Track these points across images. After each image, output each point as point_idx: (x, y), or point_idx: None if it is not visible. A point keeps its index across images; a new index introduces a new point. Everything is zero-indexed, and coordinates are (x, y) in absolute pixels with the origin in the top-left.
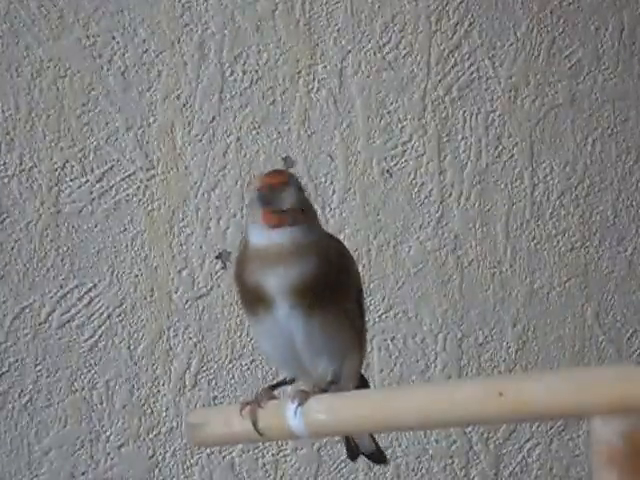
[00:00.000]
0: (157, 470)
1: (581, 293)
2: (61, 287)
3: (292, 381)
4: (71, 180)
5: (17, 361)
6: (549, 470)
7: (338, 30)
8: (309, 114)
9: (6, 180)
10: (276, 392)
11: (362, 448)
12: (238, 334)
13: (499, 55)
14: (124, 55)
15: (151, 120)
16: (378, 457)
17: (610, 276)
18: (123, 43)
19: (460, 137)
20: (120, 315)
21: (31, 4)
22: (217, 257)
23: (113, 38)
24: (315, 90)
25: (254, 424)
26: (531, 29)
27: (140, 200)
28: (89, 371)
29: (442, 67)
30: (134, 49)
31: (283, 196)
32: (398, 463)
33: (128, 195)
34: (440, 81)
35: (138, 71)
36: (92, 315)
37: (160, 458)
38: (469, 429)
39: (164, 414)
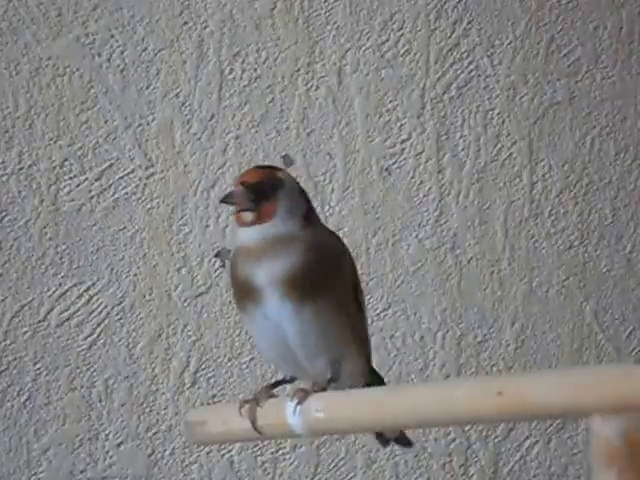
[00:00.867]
0: (156, 468)
1: (580, 291)
2: (60, 285)
3: (292, 380)
4: (70, 178)
5: (16, 359)
6: (547, 468)
7: (337, 28)
8: (308, 112)
9: (5, 178)
10: (275, 391)
11: (387, 434)
12: (237, 332)
13: (497, 53)
14: (123, 53)
15: (150, 118)
16: (404, 441)
17: (609, 274)
18: (122, 41)
19: (459, 135)
20: (119, 313)
21: (30, 2)
22: (216, 255)
23: (112, 36)
24: (314, 88)
25: (253, 422)
26: (530, 27)
27: (139, 198)
28: (88, 369)
29: (441, 65)
30: (133, 47)
31: (249, 195)
32: (397, 461)
33: (127, 193)
34: (439, 79)
35: (137, 69)
36: (91, 313)
37: (159, 456)
38: (468, 427)
39: (163, 412)
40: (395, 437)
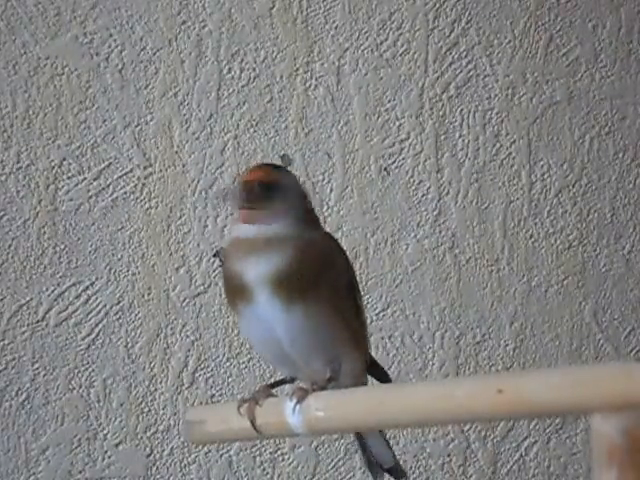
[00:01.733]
0: (154, 468)
1: (579, 291)
2: (58, 285)
3: (292, 380)
4: (68, 178)
5: (14, 359)
6: (547, 468)
7: (335, 28)
8: (306, 112)
9: (3, 178)
10: (274, 390)
11: (382, 463)
12: (235, 332)
13: (496, 53)
14: (121, 53)
15: (148, 118)
16: (397, 472)
17: (608, 274)
18: (120, 41)
19: (457, 135)
20: (117, 313)
21: (28, 2)
22: (214, 255)
23: (110, 36)
24: (312, 88)
25: (252, 422)
26: (528, 27)
27: (137, 198)
28: (86, 369)
29: (439, 65)
30: (131, 47)
31: (256, 193)
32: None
33: (125, 193)
34: (437, 79)
35: (135, 69)
36: (89, 313)
37: (157, 456)
38: (466, 427)
39: (161, 412)
40: (389, 467)
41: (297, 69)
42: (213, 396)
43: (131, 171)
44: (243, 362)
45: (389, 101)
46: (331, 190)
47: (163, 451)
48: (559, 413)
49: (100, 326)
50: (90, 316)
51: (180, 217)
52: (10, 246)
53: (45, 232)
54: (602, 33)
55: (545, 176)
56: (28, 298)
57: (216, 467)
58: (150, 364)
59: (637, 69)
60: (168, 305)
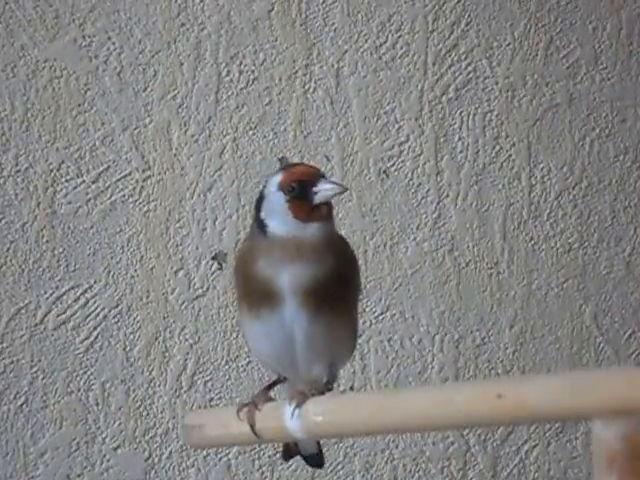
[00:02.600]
0: (153, 472)
1: (579, 294)
2: (57, 288)
3: (285, 379)
4: (67, 181)
5: (13, 362)
6: (547, 472)
7: (334, 30)
8: (305, 114)
9: (1, 181)
10: (272, 393)
11: (302, 450)
12: (234, 335)
13: (496, 55)
14: (120, 55)
15: (147, 120)
16: (316, 460)
17: (608, 277)
18: (119, 43)
19: (457, 137)
20: (116, 316)
21: (27, 4)
22: (213, 258)
23: (109, 38)
24: (311, 90)
25: (252, 426)
26: (528, 29)
27: (136, 201)
28: (85, 372)
29: (439, 67)
30: (130, 49)
31: (321, 186)
32: (395, 465)
33: (124, 196)
34: (437, 81)
35: (134, 71)
36: (88, 316)
37: (156, 460)
38: (466, 431)
39: (160, 416)
40: (310, 454)
41: (296, 71)
42: (212, 399)
43: (129, 174)
44: (242, 365)
45: (388, 103)
46: None
47: (162, 455)
48: (559, 419)
49: (98, 329)
50: (88, 319)
51: (179, 220)
52: (8, 249)
53: (43, 235)
54: (602, 35)
55: (545, 179)
56: (26, 301)
57: (215, 471)
58: (149, 367)
59: (637, 71)
60: (167, 308)
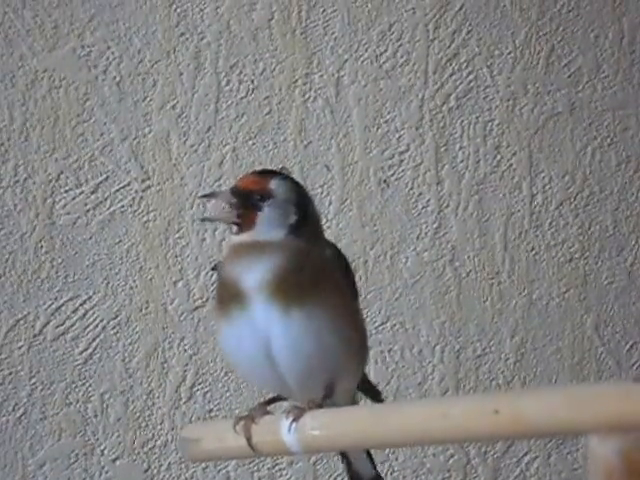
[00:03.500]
0: None
1: (580, 304)
2: (56, 299)
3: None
4: (66, 191)
5: (11, 374)
6: None
7: (335, 39)
8: (305, 124)
9: (0, 192)
10: (270, 407)
11: (363, 475)
12: None
13: (497, 63)
14: (119, 65)
15: (146, 130)
16: None
17: (610, 287)
18: (118, 53)
19: (458, 146)
20: (115, 327)
21: (26, 14)
22: (213, 269)
23: (108, 48)
24: (311, 99)
25: (248, 440)
26: (530, 37)
27: (135, 211)
28: (84, 384)
29: (440, 76)
30: (129, 59)
31: (244, 200)
32: (395, 477)
33: (123, 206)
34: (438, 90)
35: (133, 81)
36: (87, 327)
37: (155, 472)
38: (466, 443)
39: (159, 427)
40: (369, 478)
41: (296, 81)
42: (211, 411)
43: (129, 184)
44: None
45: (389, 113)
46: (330, 203)
47: (161, 466)
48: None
49: (97, 340)
50: (87, 330)
51: (178, 230)
52: (7, 260)
53: (42, 246)
54: (604, 43)
55: (546, 188)
56: (25, 312)
57: None
58: (148, 378)
59: (639, 79)
60: (166, 319)
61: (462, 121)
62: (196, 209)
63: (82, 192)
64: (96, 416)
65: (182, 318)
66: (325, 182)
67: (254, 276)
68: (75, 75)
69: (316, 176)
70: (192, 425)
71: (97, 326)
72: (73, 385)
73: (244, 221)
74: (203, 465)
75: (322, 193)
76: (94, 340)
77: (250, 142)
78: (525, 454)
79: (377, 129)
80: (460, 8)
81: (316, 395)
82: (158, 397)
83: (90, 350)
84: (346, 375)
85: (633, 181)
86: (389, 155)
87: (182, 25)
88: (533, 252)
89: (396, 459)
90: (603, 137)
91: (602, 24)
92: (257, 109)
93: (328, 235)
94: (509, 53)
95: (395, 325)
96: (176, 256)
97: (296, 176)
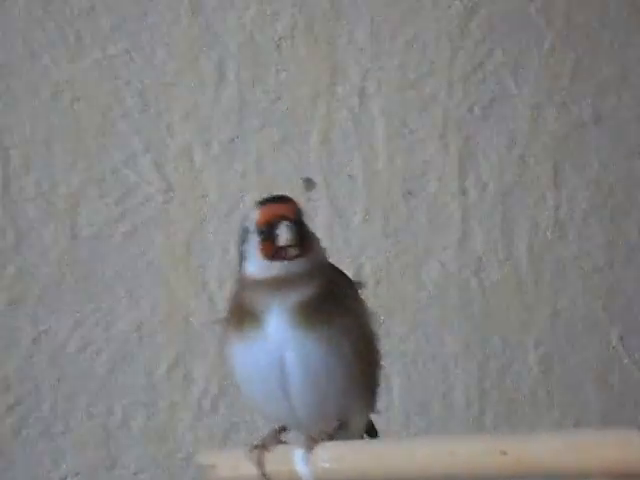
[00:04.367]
0: None
1: (605, 315)
2: (78, 311)
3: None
4: (89, 203)
5: (34, 387)
6: None
7: (359, 49)
8: (329, 134)
9: (23, 204)
10: (283, 436)
11: None
12: None
13: (522, 73)
14: (142, 76)
15: (169, 141)
16: None
17: (635, 298)
18: (141, 64)
19: (482, 156)
20: (138, 339)
21: (48, 26)
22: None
23: (131, 59)
24: (335, 110)
25: (261, 469)
26: (555, 46)
27: (158, 223)
28: (106, 396)
29: (464, 86)
30: (152, 70)
31: (281, 230)
32: None
33: (146, 218)
34: (462, 100)
35: (156, 92)
36: (109, 339)
37: None
38: None
39: (182, 440)
40: None
41: (320, 91)
42: (235, 423)
43: (152, 196)
44: None
45: (413, 122)
46: (354, 213)
47: (183, 479)
48: (561, 477)
49: (120, 353)
50: (110, 342)
51: (201, 242)
52: (30, 272)
53: (65, 258)
54: (630, 52)
55: (572, 198)
56: (48, 325)
57: None
58: (170, 391)
59: None
60: (189, 331)
61: (487, 131)
62: (219, 220)
63: (105, 204)
64: (118, 429)
65: (205, 330)
66: (349, 192)
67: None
68: (98, 86)
69: (340, 186)
70: (207, 451)
71: (120, 338)
72: (96, 398)
73: (304, 247)
74: None
75: (346, 204)
76: (117, 352)
77: (274, 153)
78: None
79: (401, 139)
80: (485, 17)
81: (328, 426)
82: (181, 409)
83: (113, 362)
84: (359, 408)
85: None
86: (413, 165)
87: (205, 35)
88: (558, 263)
89: None
90: (629, 147)
91: (628, 33)
92: (281, 119)
93: (352, 246)
94: (534, 62)
95: (419, 337)
96: (199, 268)
97: (320, 187)
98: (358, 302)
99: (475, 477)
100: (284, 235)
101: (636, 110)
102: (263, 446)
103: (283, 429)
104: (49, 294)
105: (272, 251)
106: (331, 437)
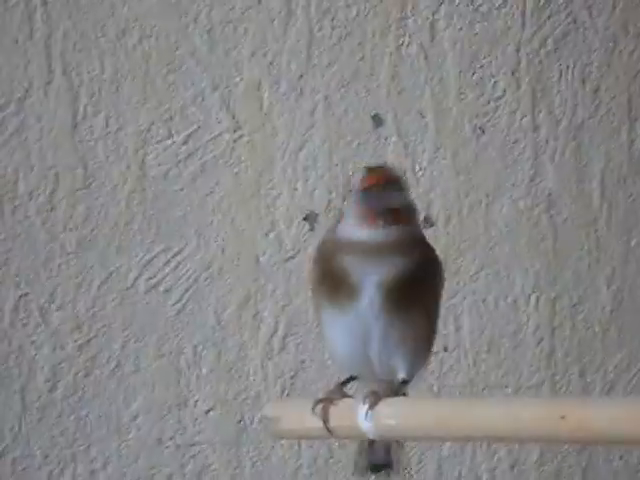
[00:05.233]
0: (244, 435)
1: None
2: (148, 251)
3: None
4: (157, 142)
5: (104, 326)
6: None
7: None
8: (399, 70)
9: (92, 143)
10: (347, 389)
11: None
12: None
13: (596, 4)
14: (210, 13)
15: (237, 79)
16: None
17: None
18: (209, 1)
19: (555, 91)
20: (207, 279)
21: None
22: (304, 219)
23: None
24: (405, 45)
25: (325, 422)
26: None
27: (226, 162)
28: (176, 336)
29: (537, 18)
30: (220, 6)
31: (385, 196)
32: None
33: (214, 157)
34: (535, 33)
35: (224, 29)
36: (179, 279)
37: (248, 422)
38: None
39: (252, 378)
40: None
41: (389, 26)
42: (303, 361)
43: (220, 134)
44: None
45: (484, 57)
46: (424, 150)
47: (253, 418)
48: (621, 444)
49: (190, 292)
50: (179, 282)
51: (269, 181)
52: (99, 212)
53: (134, 198)
54: None
55: None
56: (117, 265)
57: None
58: (240, 330)
59: None
60: (258, 270)
61: (560, 65)
62: (288, 159)
63: (173, 143)
64: (189, 368)
65: (274, 269)
66: (418, 130)
67: (370, 276)
68: (166, 24)
69: (410, 123)
70: (273, 403)
71: (189, 278)
72: (166, 337)
73: (399, 214)
74: None
75: (415, 141)
76: (186, 292)
77: (343, 89)
78: None
79: (472, 74)
80: None
81: (393, 381)
82: (250, 349)
83: (182, 302)
84: (420, 364)
85: None
86: (484, 101)
87: None
88: (631, 199)
89: None
90: None
91: None
92: (350, 55)
93: (422, 183)
94: None
95: (489, 274)
96: (268, 207)
97: (389, 123)
98: (437, 276)
99: (535, 440)
100: (385, 201)
101: None
102: (328, 399)
103: (351, 378)
104: (118, 234)
105: (372, 216)
106: (395, 394)
